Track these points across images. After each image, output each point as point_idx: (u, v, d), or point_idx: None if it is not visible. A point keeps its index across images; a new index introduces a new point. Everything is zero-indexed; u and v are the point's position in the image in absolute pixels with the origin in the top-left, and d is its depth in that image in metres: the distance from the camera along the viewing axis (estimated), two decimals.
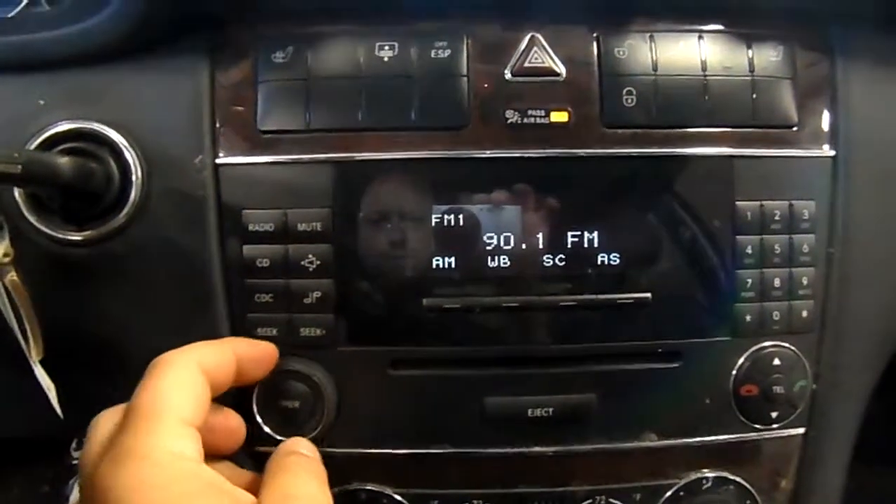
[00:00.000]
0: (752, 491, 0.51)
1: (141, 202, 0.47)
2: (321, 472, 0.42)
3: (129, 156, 0.47)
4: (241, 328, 0.48)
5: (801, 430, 0.51)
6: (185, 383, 0.39)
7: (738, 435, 0.49)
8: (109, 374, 0.54)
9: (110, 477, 0.34)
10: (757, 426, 0.49)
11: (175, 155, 0.48)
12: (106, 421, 0.40)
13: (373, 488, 0.49)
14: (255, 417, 0.48)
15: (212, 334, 0.48)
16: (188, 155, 0.47)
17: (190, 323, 0.49)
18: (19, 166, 0.40)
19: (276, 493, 0.38)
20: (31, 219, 0.47)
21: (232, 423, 0.45)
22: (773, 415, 0.49)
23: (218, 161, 0.47)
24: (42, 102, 0.48)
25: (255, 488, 0.40)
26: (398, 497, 0.49)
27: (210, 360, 0.41)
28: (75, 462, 0.97)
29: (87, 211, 0.47)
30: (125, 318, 0.49)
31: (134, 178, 0.47)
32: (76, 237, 0.47)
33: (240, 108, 0.47)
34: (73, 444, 0.98)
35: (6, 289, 0.45)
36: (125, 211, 0.47)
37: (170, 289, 0.49)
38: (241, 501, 0.36)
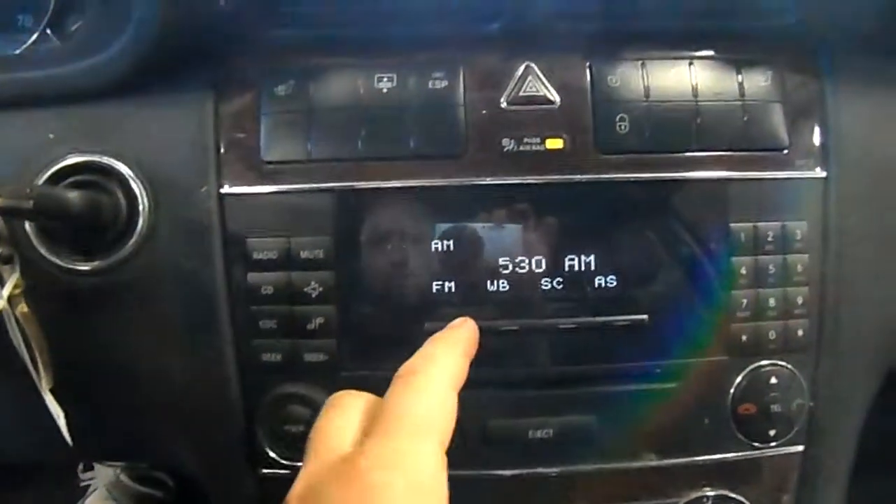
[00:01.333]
0: None
1: (148, 232, 0.48)
2: (443, 378, 0.38)
3: (137, 187, 0.48)
4: (246, 354, 0.49)
5: (800, 448, 0.51)
6: (448, 403, 0.38)
7: (738, 453, 0.50)
8: (118, 399, 0.55)
9: (379, 479, 0.33)
10: (756, 444, 0.50)
11: (181, 185, 0.49)
12: (357, 402, 0.38)
13: None
14: (259, 441, 0.49)
15: (217, 359, 0.49)
16: (194, 185, 0.49)
17: (196, 348, 0.50)
18: (31, 201, 0.41)
19: (382, 420, 0.35)
20: (41, 250, 0.48)
21: None
22: (772, 433, 0.50)
23: (222, 191, 0.49)
24: (51, 136, 0.49)
25: None
26: None
27: (458, 372, 0.40)
28: (83, 484, 0.98)
29: (96, 241, 0.48)
30: (133, 345, 0.50)
31: (141, 208, 0.48)
32: (85, 267, 0.48)
33: (243, 139, 0.49)
34: (81, 467, 0.99)
35: (17, 320, 0.46)
36: (132, 241, 0.48)
37: (177, 315, 0.50)
38: None
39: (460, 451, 0.48)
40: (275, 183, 0.48)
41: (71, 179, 0.48)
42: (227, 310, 0.49)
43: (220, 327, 0.49)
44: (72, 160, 0.48)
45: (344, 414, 0.38)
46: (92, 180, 0.48)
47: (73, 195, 0.44)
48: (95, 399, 0.52)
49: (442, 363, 0.39)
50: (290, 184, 0.48)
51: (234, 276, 0.49)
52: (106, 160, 0.48)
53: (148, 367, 0.51)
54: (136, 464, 0.92)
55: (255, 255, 0.48)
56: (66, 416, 0.50)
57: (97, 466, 0.98)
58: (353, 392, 0.39)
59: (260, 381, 0.49)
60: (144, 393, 0.52)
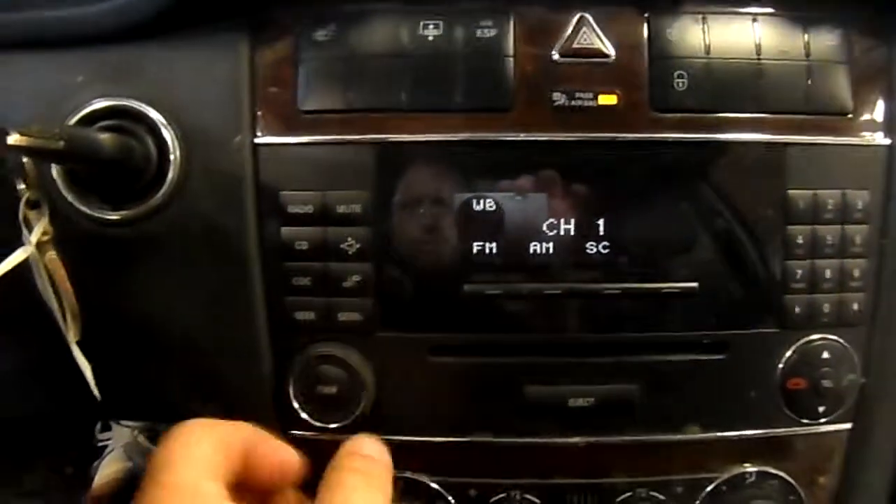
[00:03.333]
0: (796, 486, 0.50)
1: (179, 181, 0.46)
2: (384, 484, 0.38)
3: (168, 134, 0.46)
4: (278, 311, 0.47)
5: (848, 426, 0.49)
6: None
7: (784, 429, 0.48)
8: (143, 355, 0.53)
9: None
10: (804, 420, 0.48)
11: (213, 134, 0.47)
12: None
13: (409, 476, 0.48)
14: (290, 402, 0.47)
15: (248, 317, 0.48)
16: (227, 134, 0.47)
17: (226, 305, 0.48)
18: (62, 142, 0.39)
19: None
20: (70, 198, 0.46)
21: (280, 457, 0.39)
22: (821, 409, 0.48)
23: (257, 141, 0.47)
24: (80, 79, 0.47)
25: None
26: (435, 485, 0.48)
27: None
28: (100, 444, 0.98)
29: (126, 190, 0.47)
30: (161, 299, 0.49)
31: (172, 157, 0.46)
32: (114, 216, 0.46)
33: (280, 87, 0.47)
34: (98, 427, 0.98)
35: (46, 267, 0.45)
36: (163, 190, 0.46)
37: (207, 270, 0.48)
38: None
39: (498, 418, 0.48)
40: (312, 133, 0.46)
41: (100, 124, 0.46)
42: (259, 265, 0.47)
43: (251, 283, 0.47)
44: (100, 104, 0.46)
45: (193, 445, 0.35)
46: (121, 125, 0.46)
47: (104, 137, 0.42)
48: (122, 354, 0.51)
49: None
50: (328, 135, 0.46)
51: (266, 231, 0.47)
52: (135, 105, 0.46)
53: (176, 323, 0.49)
54: (160, 423, 0.92)
55: (290, 209, 0.46)
56: (92, 369, 0.49)
57: (114, 426, 0.98)
58: (205, 422, 0.37)
59: (292, 341, 0.47)
60: (172, 349, 0.51)
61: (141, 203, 0.46)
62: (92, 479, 0.95)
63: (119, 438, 0.96)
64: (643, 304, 0.46)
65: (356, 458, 0.39)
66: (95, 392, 0.48)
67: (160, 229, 0.47)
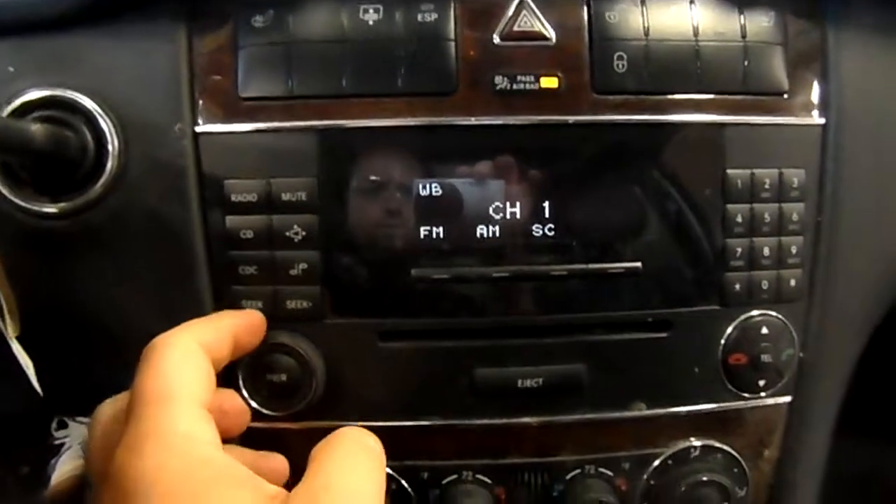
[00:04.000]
0: (740, 459, 0.51)
1: (118, 172, 0.46)
2: (372, 458, 0.36)
3: (105, 124, 0.45)
4: (226, 301, 0.47)
5: (788, 399, 0.51)
6: (190, 363, 0.37)
7: (727, 404, 0.50)
8: (91, 350, 0.53)
9: (129, 466, 0.32)
10: (745, 395, 0.50)
11: (153, 123, 0.46)
12: (107, 409, 0.38)
13: None
14: (240, 392, 0.47)
15: (195, 308, 0.47)
16: (166, 123, 0.46)
17: (173, 296, 0.47)
18: None
19: (311, 483, 0.33)
20: (4, 190, 0.45)
21: (238, 404, 0.43)
22: (761, 383, 0.49)
23: (198, 129, 0.46)
24: (11, 69, 0.46)
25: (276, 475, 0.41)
26: (388, 470, 0.48)
27: (208, 337, 0.40)
28: (57, 442, 0.96)
29: (62, 181, 0.45)
30: (106, 292, 0.48)
31: (110, 147, 0.45)
32: (51, 209, 0.45)
33: (219, 75, 0.46)
34: (55, 424, 0.96)
35: None
36: (102, 181, 0.45)
37: (151, 262, 0.47)
38: (262, 490, 0.32)
39: (448, 401, 0.48)
40: (253, 121, 0.46)
41: (34, 115, 0.45)
42: (205, 255, 0.47)
43: (197, 273, 0.47)
44: (33, 94, 0.45)
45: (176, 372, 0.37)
46: (57, 116, 0.45)
47: (36, 128, 0.41)
48: (67, 349, 0.50)
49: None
50: (270, 122, 0.45)
51: (211, 220, 0.46)
52: (70, 95, 0.45)
53: (121, 316, 0.48)
54: None
55: (234, 198, 0.46)
56: (37, 366, 0.48)
57: (71, 424, 0.96)
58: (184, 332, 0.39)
59: None
60: (118, 343, 0.50)
61: (79, 195, 0.45)
62: (49, 478, 0.94)
63: (76, 436, 0.95)
64: (589, 285, 0.47)
65: (347, 433, 0.37)
66: (37, 388, 0.47)
67: (100, 221, 0.46)
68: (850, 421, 0.57)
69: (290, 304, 0.46)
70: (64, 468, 0.95)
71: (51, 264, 0.48)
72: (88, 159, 0.45)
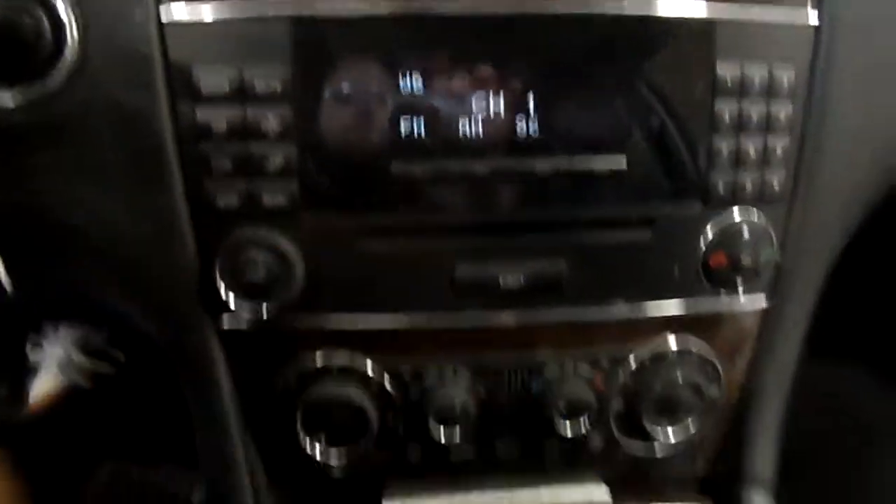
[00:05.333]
0: (714, 360, 0.52)
1: (79, 60, 0.43)
2: None
3: (61, 6, 0.42)
4: (199, 197, 0.45)
5: (764, 301, 0.52)
6: None
7: (705, 305, 0.50)
8: (60, 252, 0.51)
9: None
10: (723, 296, 0.50)
11: (114, 7, 0.43)
12: None
13: (344, 359, 0.48)
14: (217, 290, 0.46)
15: (167, 206, 0.45)
16: (128, 7, 0.43)
17: (142, 192, 0.46)
18: None
19: None
20: None
21: None
22: (739, 285, 0.50)
23: (162, 13, 0.43)
24: None
25: None
26: (369, 367, 0.49)
27: None
28: (32, 362, 0.96)
29: (17, 68, 0.43)
30: (69, 189, 0.46)
31: (68, 31, 0.42)
32: (9, 102, 0.43)
33: None
34: (29, 346, 0.96)
35: None
36: (61, 69, 0.43)
37: (119, 157, 0.45)
38: None
39: (429, 299, 0.48)
40: (223, 3, 0.43)
41: None
42: (175, 149, 0.45)
43: (168, 169, 0.45)
44: None
45: None
46: (8, 3, 0.42)
47: None
48: (34, 247, 0.48)
49: None
50: (242, 6, 0.43)
51: (181, 112, 0.44)
52: None
53: (89, 214, 0.47)
54: (85, 323, 0.90)
55: (204, 88, 0.43)
56: (5, 263, 0.46)
57: (45, 345, 0.95)
58: None
59: (215, 227, 0.46)
60: (87, 242, 0.48)
61: (37, 84, 0.43)
62: (27, 397, 0.93)
63: (51, 356, 0.94)
64: (573, 182, 0.46)
65: None
66: (6, 282, 0.46)
67: (64, 114, 0.44)
68: (812, 344, 0.58)
69: (266, 200, 0.45)
70: (41, 388, 0.95)
71: (13, 160, 0.45)
72: (45, 44, 0.42)
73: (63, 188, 0.47)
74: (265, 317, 0.46)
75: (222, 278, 0.46)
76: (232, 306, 0.46)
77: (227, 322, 0.48)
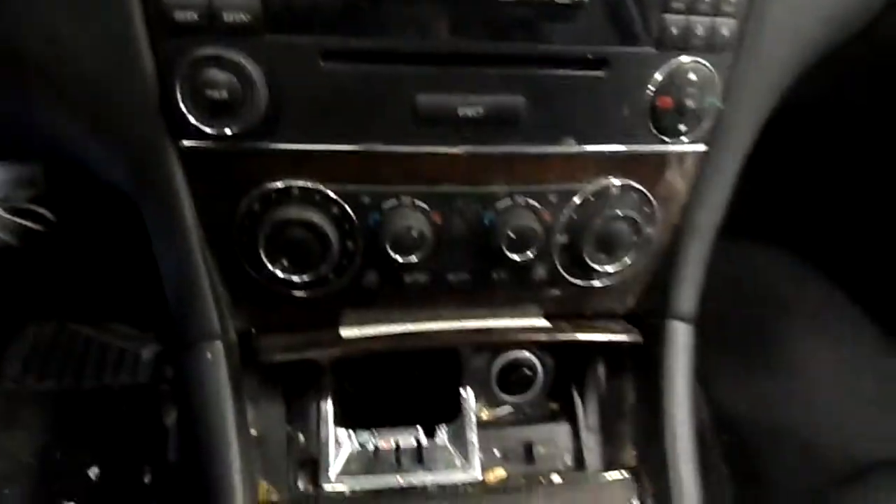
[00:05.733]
0: (652, 200, 0.56)
1: None
2: None
3: None
4: (155, 11, 0.44)
5: (703, 147, 0.55)
6: None
7: (649, 146, 0.53)
8: (15, 75, 0.50)
9: None
10: (666, 138, 0.53)
11: None
12: None
13: (305, 184, 0.50)
14: (179, 109, 0.46)
15: (120, 18, 0.44)
16: None
17: (97, 8, 0.44)
18: None
19: None
20: None
21: None
22: (682, 128, 0.53)
23: None
24: None
25: None
26: (330, 192, 0.51)
27: None
28: None
29: None
30: (28, 12, 0.44)
31: None
32: None
33: None
34: None
35: None
36: None
37: None
38: None
39: (390, 126, 0.49)
40: None
41: None
42: None
43: None
44: None
45: None
46: None
47: None
48: None
49: None
50: None
51: None
52: None
53: (43, 34, 0.45)
54: (29, 159, 0.88)
55: None
56: None
57: None
58: None
59: (174, 43, 0.45)
60: (40, 63, 0.47)
61: None
62: None
63: None
64: (534, 14, 0.47)
65: None
66: None
67: None
68: (729, 226, 0.63)
69: (227, 17, 0.44)
70: None
71: None
72: None
73: (17, 8, 0.45)
74: (228, 135, 0.47)
75: (182, 95, 0.46)
76: (193, 125, 0.47)
77: (188, 143, 0.48)
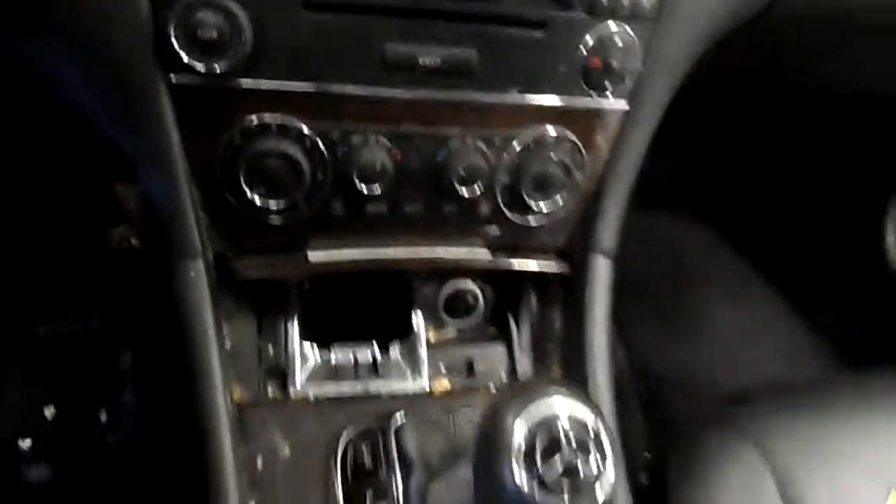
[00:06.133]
0: (582, 148, 0.66)
1: None
2: None
3: None
4: None
5: (625, 104, 0.65)
6: None
7: (581, 101, 0.63)
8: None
9: None
10: (595, 94, 0.63)
11: None
12: None
13: (283, 120, 0.57)
14: (172, 46, 0.52)
15: None
16: None
17: None
18: None
19: None
20: None
21: None
22: (608, 86, 0.62)
23: None
24: None
25: None
26: (304, 128, 0.58)
27: None
28: None
29: None
30: None
31: None
32: None
33: None
34: None
35: None
36: None
37: None
38: None
39: (361, 71, 0.57)
40: None
41: None
42: None
43: None
44: None
45: None
46: None
47: None
48: None
49: None
50: None
51: None
52: None
53: None
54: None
55: None
56: None
57: None
58: None
59: None
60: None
61: None
62: None
63: None
64: None
65: None
66: None
67: None
68: (653, 197, 0.72)
69: None
70: None
71: None
72: None
73: None
74: (216, 72, 0.53)
75: (176, 34, 0.52)
76: (185, 61, 0.53)
77: (177, 78, 0.54)
